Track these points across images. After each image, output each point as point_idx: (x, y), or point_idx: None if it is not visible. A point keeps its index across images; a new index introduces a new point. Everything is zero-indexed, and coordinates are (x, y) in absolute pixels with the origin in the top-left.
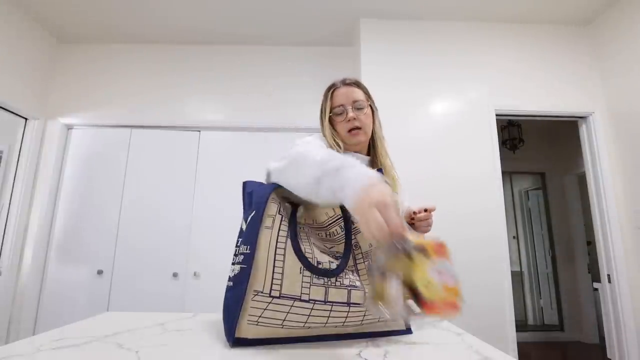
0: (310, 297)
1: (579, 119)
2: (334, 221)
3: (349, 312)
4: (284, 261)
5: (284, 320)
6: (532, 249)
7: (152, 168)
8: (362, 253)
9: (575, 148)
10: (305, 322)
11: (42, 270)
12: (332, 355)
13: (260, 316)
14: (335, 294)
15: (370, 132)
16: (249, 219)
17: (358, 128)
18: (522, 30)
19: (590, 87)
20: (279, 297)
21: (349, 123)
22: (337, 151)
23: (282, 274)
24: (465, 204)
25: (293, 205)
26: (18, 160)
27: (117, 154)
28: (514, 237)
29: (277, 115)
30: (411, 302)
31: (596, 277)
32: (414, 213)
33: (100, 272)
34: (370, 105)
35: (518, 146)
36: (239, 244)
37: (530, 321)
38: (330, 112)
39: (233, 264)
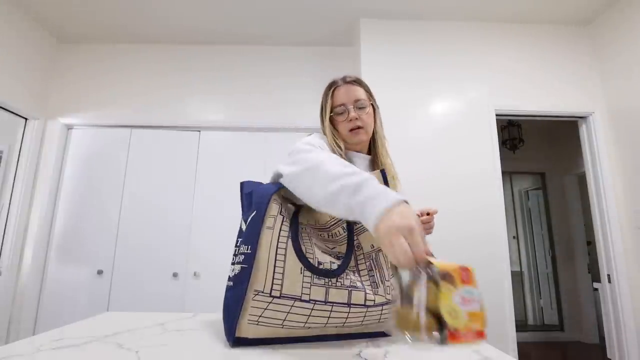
0: (311, 298)
1: (579, 119)
2: (336, 222)
3: (349, 312)
4: (284, 261)
5: (284, 320)
6: (532, 249)
7: (152, 168)
8: (363, 254)
9: (575, 148)
10: (306, 323)
11: (42, 270)
12: (332, 355)
13: (260, 316)
14: (336, 295)
15: (372, 131)
16: (250, 219)
17: (360, 127)
18: (522, 30)
19: (590, 87)
20: (279, 297)
21: (351, 123)
22: (338, 152)
23: (283, 274)
24: (465, 203)
25: (296, 206)
26: (18, 160)
27: (117, 154)
28: (514, 237)
29: (277, 115)
30: (435, 333)
31: (596, 277)
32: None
33: (100, 272)
34: (372, 104)
35: (518, 146)
36: (238, 244)
37: (530, 321)
38: (331, 112)
39: (233, 263)
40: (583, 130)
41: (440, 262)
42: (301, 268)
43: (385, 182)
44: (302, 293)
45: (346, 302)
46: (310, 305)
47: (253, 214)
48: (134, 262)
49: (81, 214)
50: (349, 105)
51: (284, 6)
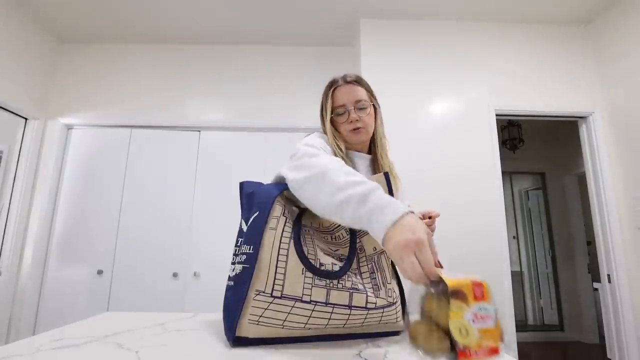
0: (312, 299)
1: (579, 119)
2: (339, 225)
3: (350, 314)
4: (286, 262)
5: (285, 320)
6: (532, 249)
7: (152, 168)
8: (366, 256)
9: (575, 148)
10: (306, 324)
11: (42, 270)
12: (332, 355)
13: (261, 316)
14: (337, 296)
15: (372, 130)
16: (252, 219)
17: (360, 128)
18: (522, 30)
19: (590, 87)
20: (280, 298)
21: (351, 124)
22: (339, 153)
23: (285, 274)
24: (465, 203)
25: (299, 208)
26: (18, 160)
27: (117, 154)
28: (514, 237)
29: (277, 115)
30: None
31: (596, 277)
32: None
33: (100, 272)
34: (373, 104)
35: (518, 146)
36: (239, 244)
37: (530, 321)
38: (332, 113)
39: (233, 263)
40: (583, 130)
41: (452, 277)
42: (302, 269)
43: (389, 185)
44: (303, 294)
45: (347, 304)
46: (311, 307)
47: (255, 214)
48: (134, 261)
49: (81, 214)
50: (349, 106)
51: (284, 6)
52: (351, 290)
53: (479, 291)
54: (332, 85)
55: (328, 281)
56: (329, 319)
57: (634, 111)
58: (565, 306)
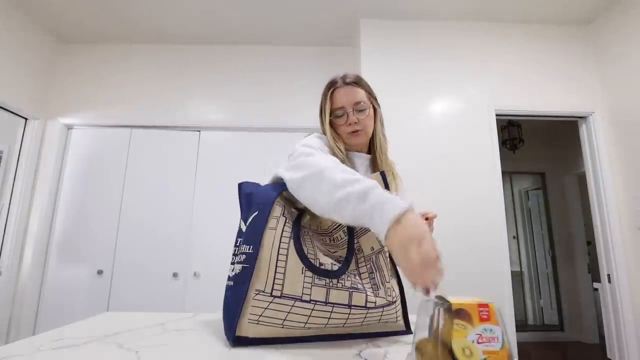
0: (312, 298)
1: (579, 119)
2: (338, 226)
3: (349, 314)
4: (286, 261)
5: (285, 320)
6: (532, 249)
7: (152, 168)
8: (364, 256)
9: (575, 148)
10: (306, 323)
11: (42, 270)
12: (332, 355)
13: (261, 315)
14: (337, 296)
15: (372, 132)
16: (250, 219)
17: (359, 130)
18: (522, 30)
19: (591, 87)
20: (280, 297)
21: (350, 126)
22: (339, 154)
23: (284, 274)
24: (465, 203)
25: (298, 210)
26: (18, 160)
27: (117, 154)
28: (514, 237)
29: (277, 115)
30: None
31: (596, 277)
32: None
33: (100, 272)
34: (373, 104)
35: (518, 146)
36: (238, 244)
37: (530, 321)
38: (330, 115)
39: (233, 263)
40: (583, 130)
41: (456, 299)
42: (302, 268)
43: (385, 184)
44: (302, 293)
45: (347, 303)
46: (310, 306)
47: (255, 214)
48: (134, 262)
49: (81, 214)
50: (348, 108)
51: (284, 6)
52: (351, 290)
53: (485, 312)
54: (331, 87)
55: (327, 280)
56: (329, 318)
57: (634, 111)
58: (565, 306)
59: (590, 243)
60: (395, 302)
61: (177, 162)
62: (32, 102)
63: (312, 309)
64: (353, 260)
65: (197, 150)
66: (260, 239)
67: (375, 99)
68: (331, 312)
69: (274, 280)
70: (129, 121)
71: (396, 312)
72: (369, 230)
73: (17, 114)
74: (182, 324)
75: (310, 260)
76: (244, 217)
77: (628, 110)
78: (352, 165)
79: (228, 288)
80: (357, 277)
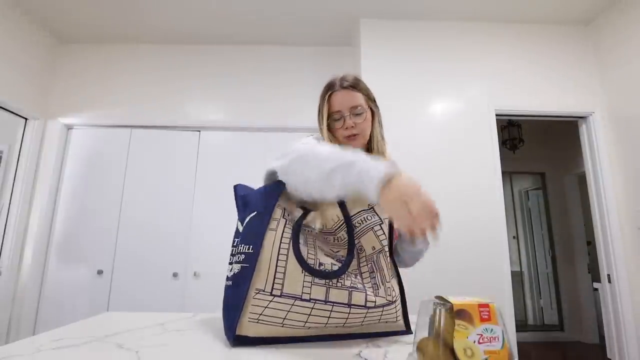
0: (311, 297)
1: (579, 119)
2: (339, 226)
3: (349, 313)
4: (286, 261)
5: (285, 319)
6: (532, 249)
7: (152, 168)
8: (365, 256)
9: (575, 148)
10: (306, 322)
11: (42, 270)
12: (332, 355)
13: (261, 314)
14: (336, 295)
15: (369, 134)
16: (247, 219)
17: (356, 134)
18: (522, 30)
19: (590, 87)
20: (280, 296)
21: (347, 130)
22: None
23: (284, 273)
24: (466, 203)
25: (304, 209)
26: (18, 160)
27: (117, 154)
28: (514, 237)
29: (277, 115)
30: None
31: (596, 277)
32: None
33: (100, 272)
34: (370, 107)
35: (518, 146)
36: (236, 244)
37: (530, 321)
38: (328, 119)
39: (231, 263)
40: (583, 130)
41: (457, 299)
42: (302, 270)
43: None
44: (302, 292)
45: (346, 302)
46: (310, 305)
47: (252, 215)
48: (134, 262)
49: (81, 213)
50: (345, 112)
51: (283, 6)
52: (350, 289)
53: (486, 312)
54: (329, 90)
55: (327, 280)
56: (329, 317)
57: (634, 111)
58: (565, 306)
59: (590, 243)
60: (395, 301)
61: (177, 162)
62: (32, 102)
63: (312, 308)
64: (355, 260)
65: (197, 150)
66: (261, 240)
67: (374, 101)
68: (331, 311)
69: (274, 280)
70: (129, 121)
71: (396, 311)
72: (370, 230)
73: (17, 114)
74: (182, 324)
75: (310, 263)
76: (241, 218)
77: (628, 110)
78: None
79: (227, 288)
80: (358, 277)
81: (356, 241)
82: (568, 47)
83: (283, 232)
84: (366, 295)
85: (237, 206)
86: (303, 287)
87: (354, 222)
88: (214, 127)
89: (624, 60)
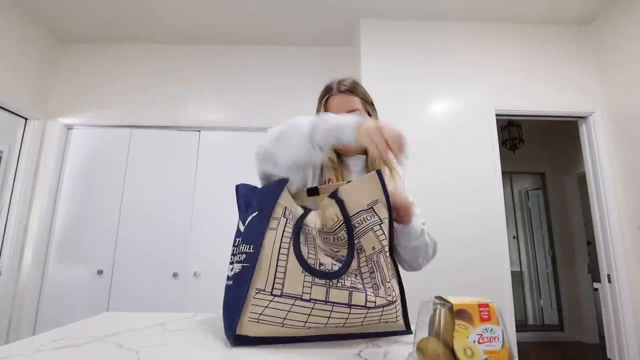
0: (312, 297)
1: (579, 119)
2: (339, 226)
3: (349, 313)
4: (287, 261)
5: (285, 319)
6: (532, 249)
7: (152, 168)
8: (366, 256)
9: (575, 148)
10: (306, 322)
11: (42, 270)
12: (332, 355)
13: (261, 314)
14: (337, 295)
15: None
16: (249, 219)
17: None
18: (522, 30)
19: (590, 87)
20: (280, 296)
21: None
22: (333, 156)
23: (285, 273)
24: (466, 203)
25: (305, 209)
26: (18, 160)
27: (117, 154)
28: (514, 237)
29: (277, 115)
30: None
31: (596, 277)
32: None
33: (100, 272)
34: (368, 111)
35: (518, 146)
36: (237, 244)
37: (530, 321)
38: None
39: (232, 263)
40: (583, 130)
41: (457, 299)
42: (302, 269)
43: (382, 183)
44: (302, 292)
45: (347, 302)
46: (310, 305)
47: (253, 214)
48: (134, 262)
49: (81, 213)
50: None
51: (284, 6)
52: (351, 289)
53: (486, 312)
54: (326, 94)
55: (328, 280)
56: (329, 317)
57: (634, 111)
58: (565, 306)
59: (590, 243)
60: (395, 301)
61: (177, 162)
62: (32, 102)
63: (312, 308)
64: (355, 260)
65: (197, 150)
66: (261, 239)
67: (372, 104)
68: (331, 311)
69: (274, 280)
70: (129, 121)
71: (396, 311)
72: (370, 230)
73: (17, 114)
74: (182, 324)
75: (310, 263)
76: (242, 218)
77: (628, 110)
78: (347, 168)
79: (228, 287)
80: (359, 277)
81: (356, 241)
82: (568, 47)
83: (284, 231)
84: (366, 295)
85: (239, 206)
86: (303, 287)
87: (353, 222)
88: (214, 127)
89: (624, 60)
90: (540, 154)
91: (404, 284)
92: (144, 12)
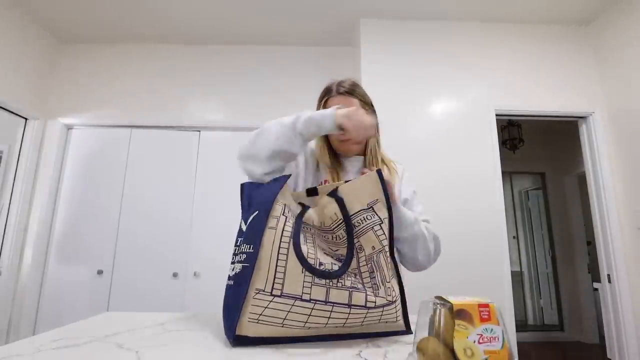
0: (312, 297)
1: (579, 119)
2: (338, 225)
3: (349, 313)
4: (286, 261)
5: (285, 319)
6: (532, 249)
7: (152, 168)
8: (365, 256)
9: (575, 148)
10: (306, 322)
11: (42, 270)
12: (332, 355)
13: (261, 314)
14: (337, 295)
15: (365, 140)
16: (251, 219)
17: (349, 139)
18: (522, 30)
19: (590, 87)
20: (280, 296)
21: (342, 135)
22: (331, 157)
23: (284, 273)
24: (466, 203)
25: (303, 206)
26: (18, 160)
27: (117, 154)
28: (514, 237)
29: (277, 116)
30: None
31: (596, 277)
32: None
33: (100, 272)
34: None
35: (518, 146)
36: (238, 244)
37: (530, 321)
38: None
39: (233, 262)
40: (583, 130)
41: (457, 299)
42: (302, 269)
43: (382, 183)
44: (302, 292)
45: (347, 302)
46: (310, 305)
47: (255, 213)
48: (134, 262)
49: (81, 214)
50: None
51: (283, 6)
52: (351, 289)
53: (486, 312)
54: (326, 95)
55: (327, 280)
56: (329, 317)
57: (634, 111)
58: (565, 306)
59: (590, 243)
60: (395, 301)
61: (177, 162)
62: (32, 102)
63: (312, 308)
64: (354, 259)
65: (197, 150)
66: (260, 239)
67: (371, 106)
68: (331, 311)
69: (274, 280)
70: (129, 121)
71: (396, 311)
72: (369, 230)
73: (17, 114)
74: (182, 324)
75: (310, 262)
76: (245, 217)
77: (628, 110)
78: (344, 170)
79: (228, 287)
80: (358, 277)
81: (355, 240)
82: (568, 47)
83: (283, 229)
84: (366, 295)
85: (242, 205)
86: (303, 287)
87: (353, 222)
88: (214, 127)
89: (624, 60)
90: (540, 154)
91: (404, 284)
92: (144, 13)
